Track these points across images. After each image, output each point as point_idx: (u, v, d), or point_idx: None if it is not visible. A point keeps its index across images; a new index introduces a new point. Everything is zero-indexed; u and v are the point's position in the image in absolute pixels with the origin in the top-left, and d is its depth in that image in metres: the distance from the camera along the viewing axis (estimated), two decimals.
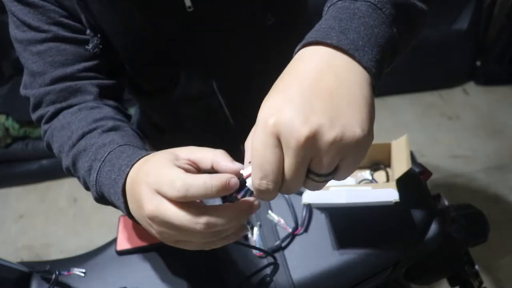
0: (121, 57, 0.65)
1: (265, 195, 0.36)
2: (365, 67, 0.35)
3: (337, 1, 0.40)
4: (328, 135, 0.32)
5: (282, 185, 0.35)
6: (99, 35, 0.60)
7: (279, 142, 0.33)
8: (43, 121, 0.62)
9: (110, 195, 0.47)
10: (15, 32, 0.59)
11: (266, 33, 0.68)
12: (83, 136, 0.54)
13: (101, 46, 0.60)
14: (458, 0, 1.93)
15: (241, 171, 0.39)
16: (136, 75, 0.69)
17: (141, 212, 0.41)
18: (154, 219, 0.39)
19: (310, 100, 0.33)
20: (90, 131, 0.55)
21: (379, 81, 0.38)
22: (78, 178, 0.56)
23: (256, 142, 0.34)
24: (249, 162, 0.38)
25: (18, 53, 0.61)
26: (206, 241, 0.40)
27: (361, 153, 0.35)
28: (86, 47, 0.60)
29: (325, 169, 0.35)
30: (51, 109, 0.60)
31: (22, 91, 0.64)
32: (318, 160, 0.34)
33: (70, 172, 0.57)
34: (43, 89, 0.60)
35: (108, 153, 0.49)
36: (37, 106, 0.62)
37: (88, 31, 0.59)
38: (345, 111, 0.33)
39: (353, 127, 0.33)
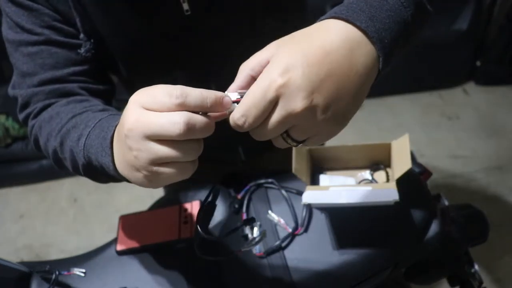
0: (119, 60, 0.65)
1: (236, 127, 0.39)
2: (379, 56, 0.39)
3: None
4: (319, 116, 0.37)
5: (256, 129, 0.38)
6: (92, 40, 0.60)
7: (276, 98, 0.36)
8: (31, 117, 0.61)
9: (97, 155, 0.46)
10: (8, 32, 0.59)
11: (265, 36, 0.68)
12: (73, 117, 0.54)
13: (93, 51, 0.60)
14: (458, 0, 1.93)
15: (228, 93, 0.41)
16: (134, 77, 0.69)
17: (122, 138, 0.39)
18: (134, 130, 0.37)
19: (322, 78, 0.36)
20: (80, 113, 0.55)
21: (382, 72, 0.41)
22: (64, 159, 0.55)
23: (258, 88, 0.37)
24: (239, 92, 0.40)
25: (8, 53, 0.61)
26: (184, 154, 0.37)
27: (332, 136, 0.41)
28: (78, 51, 0.60)
29: (300, 137, 0.39)
30: (39, 105, 0.60)
31: (10, 91, 0.63)
32: (297, 129, 0.38)
33: (56, 155, 0.56)
34: (31, 89, 0.60)
35: (99, 120, 0.49)
36: (25, 106, 0.62)
37: (81, 35, 0.59)
38: (343, 102, 0.38)
39: (340, 118, 0.39)
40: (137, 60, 0.65)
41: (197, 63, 0.67)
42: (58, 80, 0.60)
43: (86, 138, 0.49)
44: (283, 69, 0.36)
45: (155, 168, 0.38)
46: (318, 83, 0.36)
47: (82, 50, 0.59)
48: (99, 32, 0.60)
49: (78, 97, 0.60)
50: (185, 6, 0.59)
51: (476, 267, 0.88)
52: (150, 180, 0.40)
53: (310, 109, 0.36)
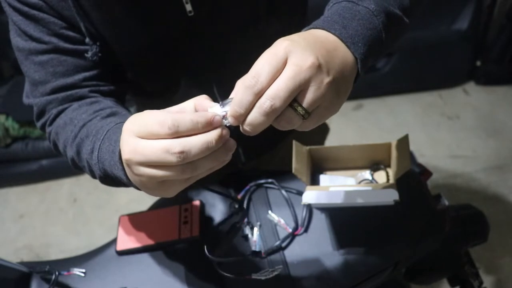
0: (123, 62, 0.65)
1: (246, 93, 0.38)
2: (356, 57, 0.44)
3: (342, 1, 0.48)
4: (325, 75, 0.39)
5: (268, 91, 0.38)
6: (98, 43, 0.60)
7: (285, 56, 0.39)
8: (47, 124, 0.63)
9: (111, 168, 0.49)
10: (17, 40, 0.60)
11: (269, 38, 0.67)
12: (84, 125, 0.56)
13: (100, 54, 0.61)
14: (458, 0, 1.93)
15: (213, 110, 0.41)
16: (137, 78, 0.69)
17: (126, 163, 0.42)
18: (132, 159, 0.40)
19: (319, 48, 0.40)
20: (90, 120, 0.56)
21: (363, 72, 0.46)
22: (83, 167, 0.57)
23: (266, 52, 0.39)
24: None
25: (19, 61, 0.62)
26: (185, 176, 0.40)
27: (332, 109, 0.42)
28: (86, 54, 0.60)
29: (307, 103, 0.39)
30: (54, 111, 0.61)
31: (25, 100, 0.65)
32: (307, 93, 0.39)
33: (75, 163, 0.59)
34: (44, 98, 0.61)
35: (107, 131, 0.51)
36: (41, 114, 0.63)
37: (87, 39, 0.59)
38: (336, 73, 0.41)
39: (337, 89, 0.41)
40: (141, 62, 0.65)
41: (200, 65, 0.67)
42: (70, 87, 0.61)
43: (98, 152, 0.51)
44: (286, 39, 0.40)
45: (161, 185, 0.42)
46: (317, 50, 0.40)
47: (89, 54, 0.60)
48: (103, 35, 0.61)
49: (88, 100, 0.61)
50: (188, 7, 0.59)
51: (477, 267, 0.88)
52: (162, 191, 0.43)
53: (317, 66, 0.39)
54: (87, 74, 0.61)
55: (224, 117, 0.40)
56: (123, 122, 0.52)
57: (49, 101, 0.61)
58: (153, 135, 0.39)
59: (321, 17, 0.48)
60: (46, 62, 0.59)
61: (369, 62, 0.47)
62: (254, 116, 0.39)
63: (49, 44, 0.59)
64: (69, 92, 0.61)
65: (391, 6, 0.49)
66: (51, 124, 0.62)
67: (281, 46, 0.39)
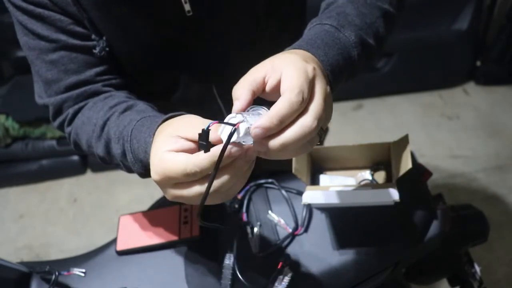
0: (123, 61, 0.65)
1: (293, 108, 0.37)
2: (330, 85, 0.47)
3: (325, 24, 0.52)
4: (329, 95, 0.43)
5: (312, 111, 0.39)
6: (104, 38, 0.60)
7: (314, 77, 0.41)
8: (65, 124, 0.63)
9: (147, 161, 0.50)
10: (25, 39, 0.60)
11: (268, 38, 0.67)
12: (104, 125, 0.57)
13: (107, 49, 0.61)
14: (458, 0, 1.93)
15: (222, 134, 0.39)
16: (137, 77, 0.69)
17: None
18: (159, 183, 0.43)
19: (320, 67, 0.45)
20: (108, 119, 0.57)
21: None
22: (118, 165, 0.58)
23: (294, 69, 0.40)
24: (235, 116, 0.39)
25: (29, 61, 0.62)
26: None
27: (327, 122, 0.43)
28: (94, 51, 0.60)
29: (325, 123, 0.42)
30: (71, 111, 0.62)
31: (39, 100, 0.65)
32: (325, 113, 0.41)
33: (105, 161, 0.59)
34: (59, 96, 0.61)
35: (131, 131, 0.52)
36: (57, 113, 0.64)
37: (93, 36, 0.59)
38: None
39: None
40: (140, 61, 0.65)
41: (199, 65, 0.67)
42: (83, 83, 0.61)
43: (132, 153, 0.51)
44: (303, 59, 0.42)
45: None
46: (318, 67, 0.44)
47: (96, 50, 0.60)
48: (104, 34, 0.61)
49: (102, 96, 0.62)
50: (187, 7, 0.59)
51: (476, 267, 0.88)
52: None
53: (327, 89, 0.42)
54: (98, 69, 0.62)
55: (232, 133, 0.37)
56: (143, 117, 0.53)
57: (64, 100, 0.61)
58: (177, 179, 0.41)
59: (304, 37, 0.51)
60: (57, 60, 0.59)
61: (337, 87, 0.51)
62: (293, 134, 0.38)
63: (58, 42, 0.59)
64: (83, 89, 0.61)
65: (367, 37, 0.53)
66: (69, 124, 0.63)
67: (309, 68, 0.41)
